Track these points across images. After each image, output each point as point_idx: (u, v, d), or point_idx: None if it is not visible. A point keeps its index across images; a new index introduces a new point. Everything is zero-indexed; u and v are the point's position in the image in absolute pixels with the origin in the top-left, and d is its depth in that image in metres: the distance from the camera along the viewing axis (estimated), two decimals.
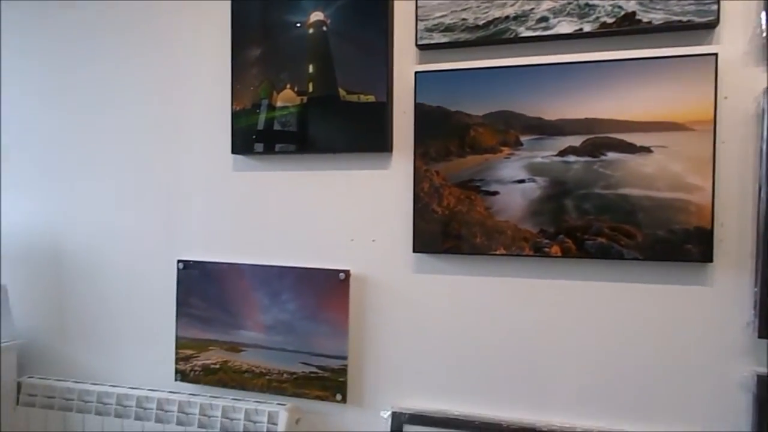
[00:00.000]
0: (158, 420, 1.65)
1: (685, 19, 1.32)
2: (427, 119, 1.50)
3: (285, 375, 1.63)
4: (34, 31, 1.90)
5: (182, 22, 1.75)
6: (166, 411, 1.65)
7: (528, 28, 1.42)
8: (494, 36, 1.44)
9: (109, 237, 1.83)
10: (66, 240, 1.87)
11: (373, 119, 1.54)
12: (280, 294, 1.64)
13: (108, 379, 1.82)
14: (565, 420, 1.44)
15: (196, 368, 1.72)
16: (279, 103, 1.61)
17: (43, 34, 1.90)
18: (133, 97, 1.80)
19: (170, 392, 1.69)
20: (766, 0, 1.29)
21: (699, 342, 1.36)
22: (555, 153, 1.40)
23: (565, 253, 1.40)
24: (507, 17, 1.43)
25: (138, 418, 1.67)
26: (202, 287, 1.70)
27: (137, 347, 1.81)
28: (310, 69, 1.59)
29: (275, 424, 1.55)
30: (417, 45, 1.51)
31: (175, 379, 1.73)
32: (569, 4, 1.39)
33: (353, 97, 1.55)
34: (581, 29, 1.38)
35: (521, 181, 1.43)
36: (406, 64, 1.55)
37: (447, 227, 1.49)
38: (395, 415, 1.53)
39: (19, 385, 1.79)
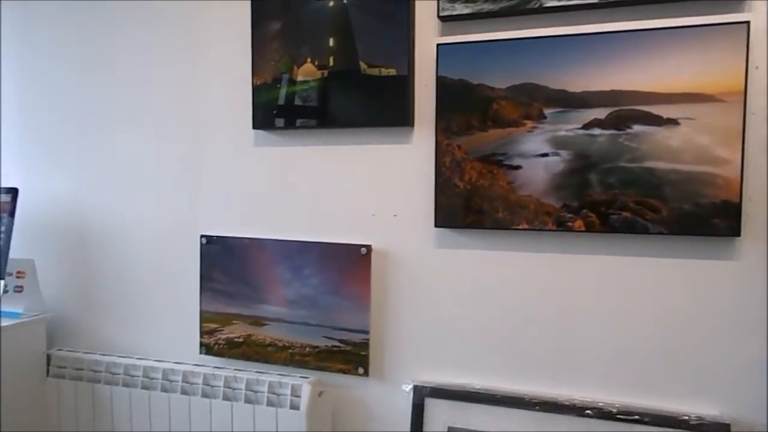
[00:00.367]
0: (184, 392, 1.70)
1: None
2: (448, 92, 1.50)
3: (308, 349, 1.67)
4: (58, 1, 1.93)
5: None
6: (192, 383, 1.70)
7: None
8: (518, 6, 1.43)
9: (133, 213, 1.87)
10: (91, 215, 1.92)
11: (395, 93, 1.54)
12: (303, 269, 1.66)
13: (134, 352, 1.87)
14: (586, 394, 1.46)
15: (220, 342, 1.76)
16: (300, 78, 1.62)
17: (65, 4, 1.92)
18: (155, 73, 1.83)
19: (195, 365, 1.74)
20: None
21: (725, 316, 1.36)
22: (579, 126, 1.40)
23: (589, 228, 1.40)
24: None
25: (164, 390, 1.72)
26: (225, 262, 1.74)
27: (162, 321, 1.86)
28: (331, 42, 1.59)
29: (298, 396, 1.59)
30: (439, 16, 1.51)
31: (200, 353, 1.78)
32: None
33: (374, 71, 1.55)
34: None
35: (544, 155, 1.43)
36: (427, 36, 1.54)
37: (469, 202, 1.50)
38: (417, 389, 1.56)
39: (48, 358, 1.85)
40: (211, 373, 1.69)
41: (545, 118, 1.42)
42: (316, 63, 1.61)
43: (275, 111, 1.66)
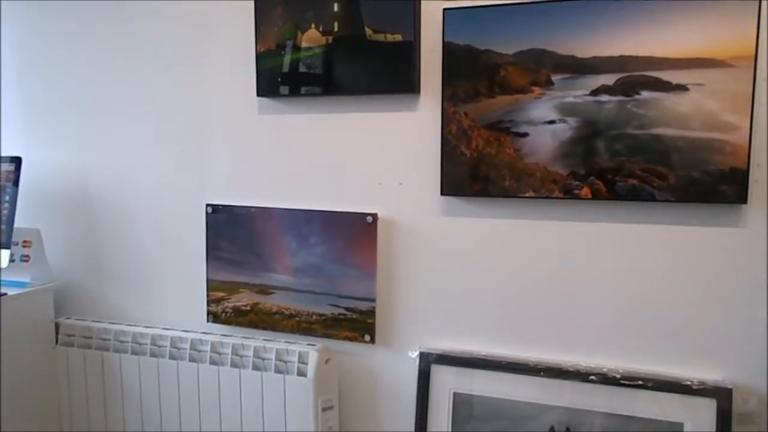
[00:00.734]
0: (192, 359, 1.74)
1: None
2: (455, 59, 1.50)
3: (314, 317, 1.70)
4: None
5: None
6: (200, 351, 1.73)
7: None
8: None
9: (138, 182, 1.89)
10: (96, 184, 1.93)
11: (400, 59, 1.54)
12: (308, 237, 1.69)
13: (142, 321, 1.91)
14: (591, 360, 1.49)
15: (227, 310, 1.79)
16: (304, 44, 1.62)
17: None
18: (158, 41, 1.82)
19: (203, 333, 1.78)
20: None
21: (731, 283, 1.38)
22: (587, 92, 1.40)
23: (596, 195, 1.41)
24: None
25: (172, 357, 1.76)
26: (231, 231, 1.76)
27: (169, 290, 1.89)
28: (335, 7, 1.58)
29: (305, 363, 1.62)
30: None
31: (207, 321, 1.82)
32: None
33: (380, 36, 1.55)
34: None
35: (552, 122, 1.43)
36: (434, 0, 1.53)
37: (475, 170, 1.51)
38: (423, 356, 1.59)
39: (57, 326, 1.89)
40: (218, 341, 1.72)
41: (553, 84, 1.42)
42: (321, 29, 1.61)
43: (279, 78, 1.66)
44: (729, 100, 1.30)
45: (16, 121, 2.01)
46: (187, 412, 1.75)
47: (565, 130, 1.42)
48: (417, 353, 1.60)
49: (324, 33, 1.60)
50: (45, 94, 1.97)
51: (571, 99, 1.41)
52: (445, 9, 1.50)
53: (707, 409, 1.37)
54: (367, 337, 1.66)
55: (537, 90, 1.44)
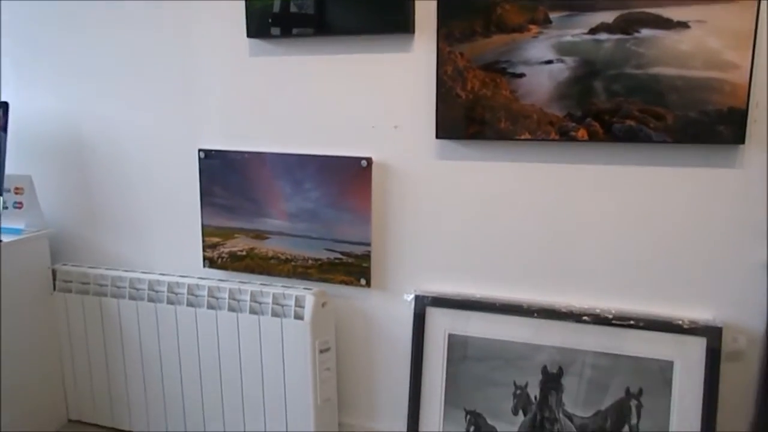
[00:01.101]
0: (189, 304, 1.76)
1: None
2: None
3: (310, 261, 1.72)
4: None
5: None
6: (197, 296, 1.76)
7: None
8: None
9: (129, 126, 1.87)
10: (87, 130, 1.92)
11: None
12: (303, 182, 1.68)
13: (138, 266, 1.93)
14: (584, 301, 1.52)
15: (223, 255, 1.81)
16: None
17: None
18: None
19: (200, 278, 1.80)
20: None
21: (725, 224, 1.39)
22: (586, 31, 1.37)
23: (592, 137, 1.41)
24: None
25: (170, 302, 1.78)
26: (225, 176, 1.76)
27: (164, 235, 1.90)
28: None
29: (302, 307, 1.65)
30: None
31: (204, 266, 1.84)
32: None
33: None
34: None
35: (549, 62, 1.41)
36: None
37: (471, 112, 1.49)
38: (418, 299, 1.61)
39: (54, 273, 1.90)
40: (215, 286, 1.74)
41: (550, 22, 1.40)
42: None
43: (270, 19, 1.62)
44: (731, 37, 1.28)
45: (2, 66, 1.98)
46: (186, 356, 1.79)
47: (562, 70, 1.40)
48: (412, 296, 1.62)
49: None
50: (32, 39, 1.92)
51: (569, 38, 1.39)
52: None
53: (697, 347, 1.41)
54: (363, 281, 1.68)
55: (534, 29, 1.41)
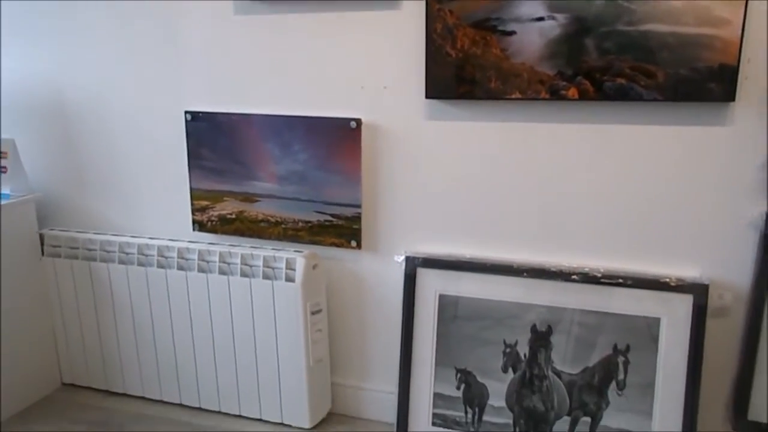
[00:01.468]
0: (180, 268, 1.77)
1: None
2: None
3: (300, 223, 1.72)
4: None
5: None
6: (187, 259, 1.77)
7: None
8: None
9: (114, 88, 1.84)
10: (70, 92, 1.89)
11: None
12: (291, 144, 1.68)
13: (127, 231, 1.93)
14: (574, 261, 1.54)
15: (212, 218, 1.81)
16: None
17: None
18: None
19: (189, 242, 1.80)
20: None
21: (714, 182, 1.41)
22: None
23: (583, 96, 1.41)
24: None
25: (161, 266, 1.79)
26: (213, 139, 1.75)
27: (153, 199, 1.90)
28: None
29: (293, 269, 1.66)
30: None
31: (193, 230, 1.84)
32: None
33: None
34: None
35: (540, 19, 1.40)
36: None
37: (461, 71, 1.49)
38: (409, 260, 1.63)
39: (42, 237, 1.90)
40: (206, 249, 1.75)
41: None
42: None
43: None
44: None
45: None
46: (178, 319, 1.81)
47: (553, 27, 1.39)
48: (403, 257, 1.64)
49: None
50: (12, 1, 1.89)
51: None
52: None
53: (684, 304, 1.44)
54: (354, 243, 1.70)
55: None
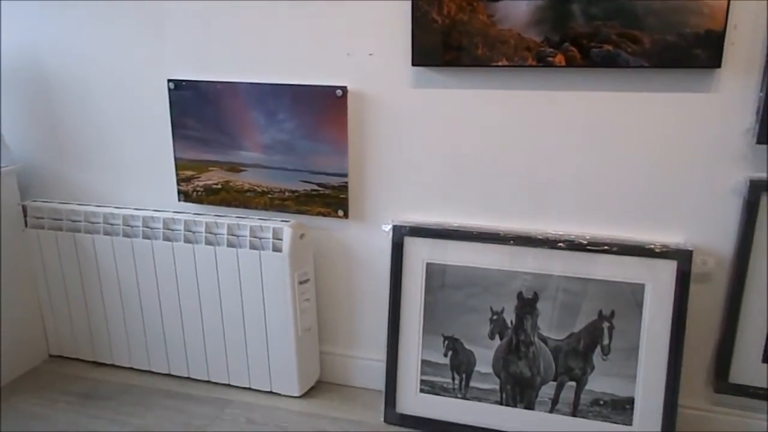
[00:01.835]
0: (166, 238, 1.78)
1: None
2: None
3: (287, 193, 1.73)
4: None
5: None
6: (173, 230, 1.77)
7: None
8: None
9: (95, 55, 1.82)
10: (50, 61, 1.87)
11: None
12: (277, 113, 1.68)
13: (111, 202, 1.93)
14: (560, 228, 1.57)
15: (198, 189, 1.82)
16: None
17: None
18: None
19: (175, 212, 1.81)
20: None
21: (699, 149, 1.43)
22: None
23: (570, 63, 1.42)
24: None
25: (146, 237, 1.80)
26: (197, 108, 1.74)
27: (137, 169, 1.89)
28: None
29: (280, 239, 1.67)
30: None
31: (179, 200, 1.84)
32: None
33: None
34: None
35: None
36: None
37: (447, 38, 1.49)
38: (396, 229, 1.65)
39: (24, 209, 1.90)
40: (191, 220, 1.76)
41: None
42: None
43: None
44: None
45: None
46: (165, 290, 1.82)
47: None
48: (390, 226, 1.65)
49: None
50: None
51: None
52: None
53: (668, 270, 1.47)
54: (341, 212, 1.71)
55: None
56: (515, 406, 1.61)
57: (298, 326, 1.72)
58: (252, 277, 1.72)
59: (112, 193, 1.94)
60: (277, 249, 1.68)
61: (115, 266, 1.85)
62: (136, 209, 1.85)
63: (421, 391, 1.68)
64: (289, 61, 1.66)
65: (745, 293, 1.47)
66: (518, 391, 1.61)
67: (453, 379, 1.66)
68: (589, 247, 1.51)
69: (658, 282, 1.48)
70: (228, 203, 1.80)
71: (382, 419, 1.70)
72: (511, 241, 1.56)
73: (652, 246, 1.47)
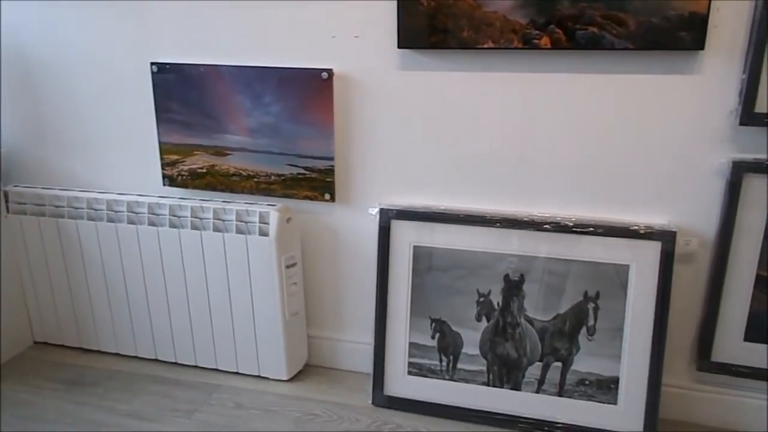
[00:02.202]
0: (151, 223, 1.79)
1: None
2: None
3: (273, 177, 1.75)
4: None
5: None
6: (158, 215, 1.78)
7: None
8: None
9: (76, 38, 1.81)
10: (31, 44, 1.86)
11: None
12: (262, 96, 1.69)
13: (94, 186, 1.93)
14: (545, 210, 1.60)
15: (183, 173, 1.82)
16: None
17: None
18: None
19: (160, 197, 1.82)
20: None
21: (682, 131, 1.46)
22: None
23: (555, 45, 1.44)
24: None
25: (131, 222, 1.80)
26: (181, 91, 1.74)
27: (120, 154, 1.89)
28: None
29: (266, 223, 1.69)
30: None
31: (164, 184, 1.85)
32: None
33: None
34: None
35: None
36: None
37: (433, 20, 1.50)
38: (383, 212, 1.67)
39: (6, 195, 1.90)
40: (177, 204, 1.77)
41: None
42: None
43: None
44: None
45: None
46: (151, 276, 1.83)
47: None
48: (377, 209, 1.67)
49: None
50: None
51: None
52: None
53: (652, 251, 1.50)
54: (327, 196, 1.73)
55: None
56: (502, 387, 1.65)
57: (286, 310, 1.75)
58: (239, 262, 1.73)
59: (95, 178, 1.94)
60: (263, 233, 1.69)
61: (100, 252, 1.86)
62: (120, 194, 1.85)
63: (409, 373, 1.71)
64: (275, 43, 1.66)
65: (728, 273, 1.51)
66: (505, 372, 1.65)
67: (440, 361, 1.69)
68: (574, 229, 1.54)
69: (642, 263, 1.52)
70: (213, 187, 1.81)
71: (371, 401, 1.73)
72: (498, 224, 1.59)
73: (637, 227, 1.50)
